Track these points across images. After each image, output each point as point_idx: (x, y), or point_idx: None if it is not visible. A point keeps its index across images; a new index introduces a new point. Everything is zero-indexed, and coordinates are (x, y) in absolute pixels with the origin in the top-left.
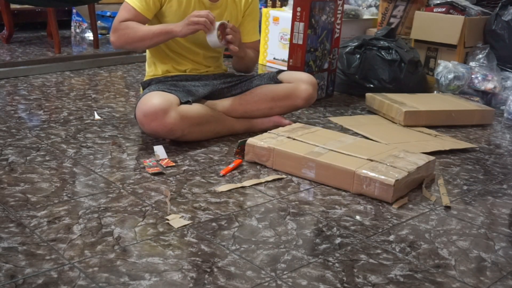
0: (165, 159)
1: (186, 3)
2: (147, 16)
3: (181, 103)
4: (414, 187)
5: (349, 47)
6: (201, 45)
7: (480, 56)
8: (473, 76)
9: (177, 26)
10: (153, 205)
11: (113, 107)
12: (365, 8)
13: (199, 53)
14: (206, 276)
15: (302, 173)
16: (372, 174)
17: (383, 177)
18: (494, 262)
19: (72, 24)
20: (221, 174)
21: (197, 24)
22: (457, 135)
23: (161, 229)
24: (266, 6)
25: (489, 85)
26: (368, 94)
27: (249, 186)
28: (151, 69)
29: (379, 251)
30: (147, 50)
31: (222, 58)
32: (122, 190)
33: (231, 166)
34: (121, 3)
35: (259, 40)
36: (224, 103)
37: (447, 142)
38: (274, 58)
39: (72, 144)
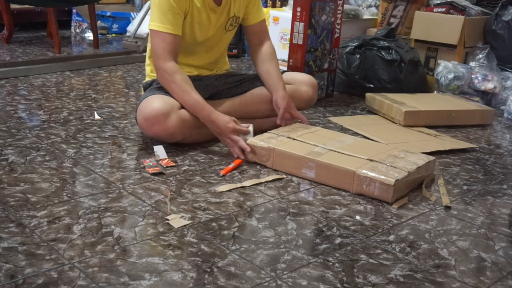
0: (165, 159)
1: (197, 11)
2: (179, 34)
3: (182, 106)
4: (414, 187)
5: (349, 47)
6: (208, 47)
7: (480, 56)
8: (473, 76)
9: (214, 126)
10: (153, 205)
11: (113, 107)
12: (365, 8)
13: (204, 57)
14: (206, 276)
15: (302, 173)
16: (372, 174)
17: (383, 177)
18: (494, 262)
19: (72, 24)
20: (221, 174)
21: (229, 145)
22: (457, 135)
23: (161, 229)
24: (266, 6)
25: (489, 85)
26: (368, 94)
27: (249, 186)
28: (151, 71)
29: (379, 251)
30: (147, 52)
31: (225, 58)
32: (122, 190)
33: (231, 166)
34: (121, 3)
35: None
36: (225, 104)
37: (447, 142)
38: None
39: (72, 144)
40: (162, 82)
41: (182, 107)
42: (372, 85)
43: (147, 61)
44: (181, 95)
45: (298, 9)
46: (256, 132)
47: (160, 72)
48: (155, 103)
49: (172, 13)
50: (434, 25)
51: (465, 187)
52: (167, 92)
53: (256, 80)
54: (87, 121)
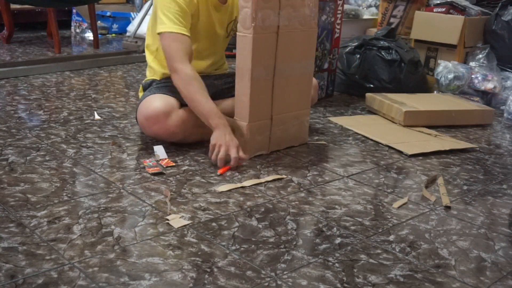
0: (165, 159)
1: (201, 10)
2: (189, 35)
3: (182, 105)
4: None
5: (349, 47)
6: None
7: (480, 56)
8: (473, 76)
9: (219, 130)
10: (153, 205)
11: (113, 107)
12: (365, 8)
13: (205, 60)
14: (206, 276)
15: None
16: None
17: None
18: (494, 262)
19: (72, 24)
20: (218, 173)
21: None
22: (457, 135)
23: (161, 229)
24: None
25: (489, 85)
26: (368, 94)
27: (249, 186)
28: (151, 73)
29: (379, 251)
30: (147, 53)
31: (224, 59)
32: (122, 190)
33: (228, 165)
34: (121, 3)
35: None
36: (225, 104)
37: (447, 142)
38: None
39: (72, 144)
40: (178, 85)
41: (182, 106)
42: (372, 85)
43: (148, 61)
44: (199, 100)
45: None
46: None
47: (180, 75)
48: (155, 102)
49: (182, 15)
50: (434, 25)
51: (465, 187)
52: (167, 92)
53: None
54: (87, 121)
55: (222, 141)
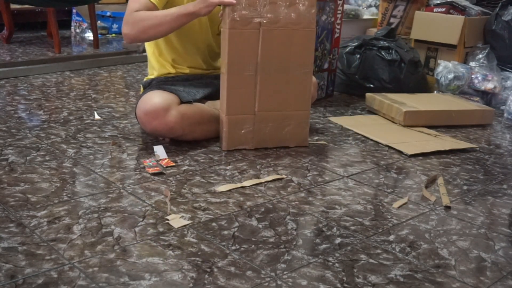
0: (165, 159)
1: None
2: (158, 5)
3: (182, 102)
4: None
5: (349, 47)
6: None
7: (480, 56)
8: (473, 76)
9: (195, 6)
10: (153, 205)
11: (113, 107)
12: (365, 8)
13: (199, 53)
14: (206, 276)
15: None
16: None
17: None
18: (494, 262)
19: (72, 24)
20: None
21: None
22: (457, 135)
23: (161, 229)
24: None
25: (489, 85)
26: (368, 94)
27: (249, 186)
28: (151, 71)
29: (379, 251)
30: (147, 51)
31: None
32: (122, 190)
33: None
34: (121, 3)
35: None
36: None
37: (447, 142)
38: None
39: (72, 144)
40: (133, 30)
41: (181, 102)
42: (372, 85)
43: (148, 63)
44: (153, 17)
45: None
46: None
47: (126, 24)
48: (155, 98)
49: None
50: (434, 25)
51: (465, 187)
52: (167, 88)
53: None
54: (87, 121)
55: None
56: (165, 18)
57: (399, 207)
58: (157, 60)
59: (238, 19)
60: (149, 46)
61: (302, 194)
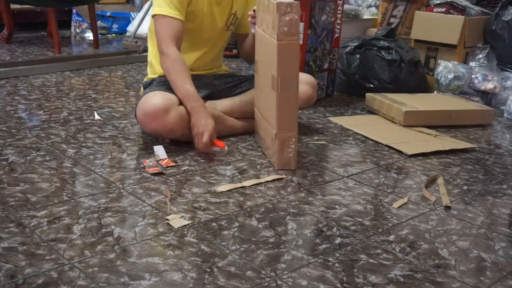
0: (165, 159)
1: (204, 3)
2: (182, 17)
3: (181, 103)
4: None
5: (349, 47)
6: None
7: (480, 56)
8: (473, 76)
9: (192, 109)
10: (153, 205)
11: (113, 107)
12: (365, 8)
13: (201, 54)
14: (206, 276)
15: None
16: None
17: None
18: (494, 262)
19: (72, 24)
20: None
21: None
22: (457, 135)
23: (161, 229)
24: None
25: (489, 85)
26: (368, 94)
27: (249, 186)
28: (152, 71)
29: (379, 251)
30: (148, 51)
31: (222, 59)
32: (122, 190)
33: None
34: (121, 3)
35: None
36: (224, 103)
37: (447, 142)
38: None
39: (72, 144)
40: (163, 67)
41: (181, 103)
42: (372, 85)
43: (148, 62)
44: (178, 83)
45: None
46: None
47: (163, 57)
48: (155, 98)
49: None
50: (434, 25)
51: (465, 187)
52: (168, 89)
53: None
54: (87, 121)
55: (200, 128)
56: (176, 90)
57: (399, 207)
58: (158, 61)
59: (286, 29)
60: (151, 46)
61: (302, 194)
